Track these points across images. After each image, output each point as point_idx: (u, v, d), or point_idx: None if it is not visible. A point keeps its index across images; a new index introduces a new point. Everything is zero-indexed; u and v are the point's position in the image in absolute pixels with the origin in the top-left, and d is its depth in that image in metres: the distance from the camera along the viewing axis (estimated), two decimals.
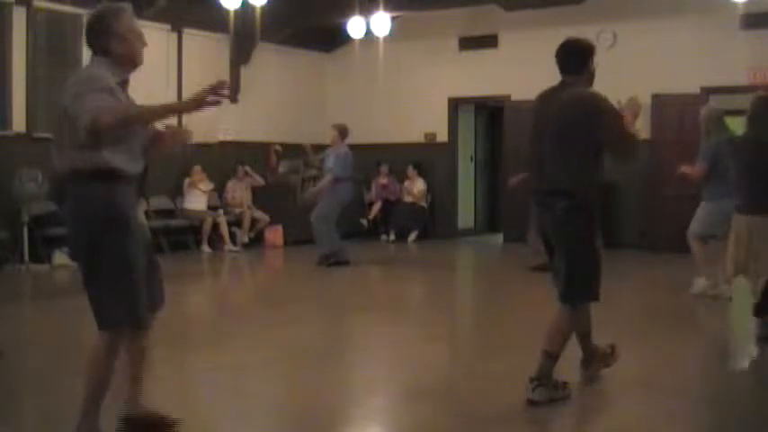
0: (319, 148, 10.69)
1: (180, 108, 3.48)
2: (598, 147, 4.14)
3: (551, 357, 4.24)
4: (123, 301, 3.32)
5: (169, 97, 11.57)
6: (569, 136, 4.11)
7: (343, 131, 10.06)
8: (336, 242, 9.87)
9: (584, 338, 4.57)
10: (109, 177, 3.25)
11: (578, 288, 4.23)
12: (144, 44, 3.49)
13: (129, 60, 3.47)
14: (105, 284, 3.30)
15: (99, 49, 3.42)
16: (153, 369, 5.04)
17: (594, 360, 4.67)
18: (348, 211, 13.19)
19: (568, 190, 4.11)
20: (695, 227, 7.31)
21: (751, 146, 5.66)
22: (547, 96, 4.36)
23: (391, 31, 11.84)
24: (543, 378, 4.20)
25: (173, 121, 6.25)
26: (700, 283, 7.38)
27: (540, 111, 4.36)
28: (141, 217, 3.56)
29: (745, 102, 6.14)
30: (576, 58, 4.27)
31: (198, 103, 3.27)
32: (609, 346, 4.75)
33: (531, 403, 4.11)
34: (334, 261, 9.71)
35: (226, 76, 12.28)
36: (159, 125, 3.47)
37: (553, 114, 4.19)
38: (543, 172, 4.24)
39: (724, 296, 7.08)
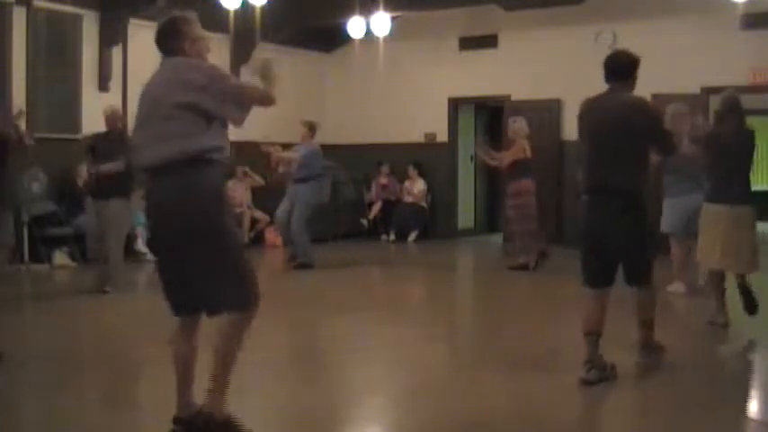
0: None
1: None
2: (649, 148, 4.70)
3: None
4: (250, 277, 3.50)
5: None
6: (630, 139, 4.54)
7: (312, 128, 9.93)
8: (306, 244, 9.67)
9: (645, 325, 5.01)
10: (216, 162, 3.44)
11: (644, 272, 4.79)
12: (209, 50, 3.77)
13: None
14: (230, 264, 3.44)
15: (172, 51, 3.63)
16: (152, 369, 5.05)
17: (653, 348, 5.06)
18: (348, 211, 13.26)
19: (626, 189, 4.53)
20: (664, 225, 7.43)
21: (727, 141, 5.93)
22: (598, 102, 4.77)
23: (391, 31, 11.83)
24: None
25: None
26: (677, 285, 7.55)
27: (594, 115, 4.73)
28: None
29: (745, 102, 6.21)
30: (627, 68, 4.74)
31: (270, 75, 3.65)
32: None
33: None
34: (299, 263, 9.58)
35: None
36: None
37: (612, 119, 4.58)
38: (598, 173, 4.59)
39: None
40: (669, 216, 7.44)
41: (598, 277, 4.68)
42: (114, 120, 7.95)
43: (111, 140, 7.74)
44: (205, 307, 3.54)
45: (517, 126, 9.45)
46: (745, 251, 5.91)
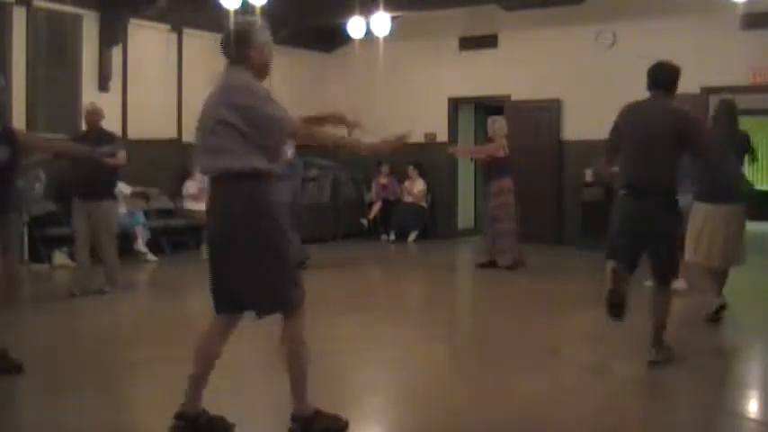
0: (320, 148, 10.67)
1: (356, 145, 3.85)
2: (684, 152, 5.03)
3: (662, 326, 5.06)
4: (295, 281, 3.70)
5: (168, 97, 11.61)
6: (675, 144, 4.87)
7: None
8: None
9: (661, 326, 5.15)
10: (263, 176, 3.58)
11: (673, 269, 5.14)
12: (272, 58, 3.78)
13: (263, 70, 3.71)
14: (284, 269, 3.61)
15: (238, 58, 3.66)
16: (153, 369, 5.05)
17: (663, 347, 5.13)
18: (348, 211, 13.26)
19: (667, 187, 4.91)
20: None
21: (719, 143, 6.16)
22: (643, 107, 5.07)
23: (391, 31, 11.83)
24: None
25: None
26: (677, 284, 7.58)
27: (639, 119, 5.04)
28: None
29: (745, 102, 6.31)
30: (672, 78, 5.10)
31: (375, 148, 3.88)
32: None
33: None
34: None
35: None
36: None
37: (662, 125, 4.90)
38: (645, 172, 4.92)
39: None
40: None
41: (625, 261, 4.94)
42: (95, 117, 7.81)
43: (91, 139, 7.58)
44: (251, 308, 3.71)
45: (497, 125, 9.65)
46: (731, 246, 6.23)
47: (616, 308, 4.91)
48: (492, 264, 9.53)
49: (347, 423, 3.79)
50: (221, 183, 3.58)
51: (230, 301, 3.72)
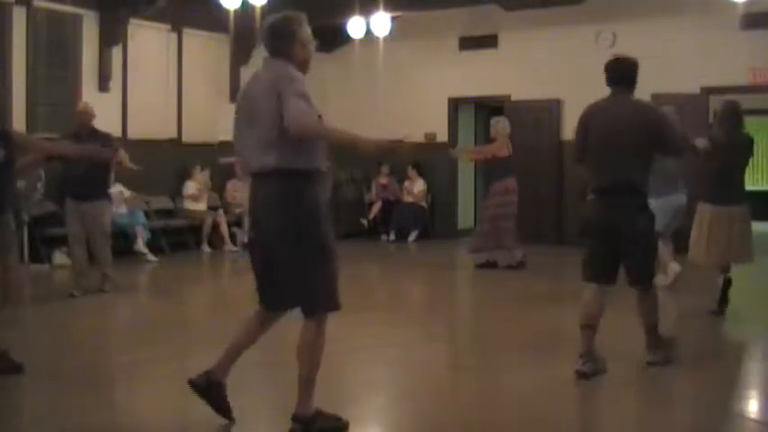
0: None
1: (363, 145, 3.61)
2: (654, 150, 4.83)
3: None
4: (332, 284, 3.69)
5: (168, 97, 11.61)
6: (642, 143, 4.70)
7: None
8: None
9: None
10: (307, 173, 3.57)
11: (648, 272, 4.91)
12: (313, 52, 3.75)
13: (305, 65, 3.68)
14: (318, 270, 3.59)
15: (280, 53, 3.62)
16: (153, 369, 5.05)
17: (661, 344, 5.08)
18: (348, 210, 13.25)
19: (638, 188, 4.74)
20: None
21: (724, 145, 6.23)
22: (606, 106, 4.90)
23: (391, 31, 11.84)
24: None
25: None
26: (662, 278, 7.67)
27: (603, 119, 4.85)
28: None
29: (745, 102, 6.37)
30: (631, 73, 4.88)
31: (384, 148, 3.67)
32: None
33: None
34: None
35: (226, 76, 12.31)
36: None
37: (627, 123, 4.72)
38: (613, 173, 4.73)
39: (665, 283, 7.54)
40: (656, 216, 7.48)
41: (602, 275, 4.81)
42: (87, 117, 7.76)
43: (83, 140, 7.54)
44: (285, 304, 3.74)
45: (500, 126, 9.64)
46: (736, 245, 6.29)
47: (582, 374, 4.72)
48: (492, 264, 9.52)
49: (347, 423, 3.79)
50: (263, 178, 3.56)
51: (270, 299, 3.76)
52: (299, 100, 3.43)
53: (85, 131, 7.68)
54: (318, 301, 3.65)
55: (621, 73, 4.89)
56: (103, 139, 7.71)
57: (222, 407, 3.82)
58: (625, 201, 4.73)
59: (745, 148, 6.40)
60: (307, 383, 3.69)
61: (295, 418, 3.71)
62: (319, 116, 3.55)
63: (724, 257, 6.41)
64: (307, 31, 3.70)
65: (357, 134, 3.59)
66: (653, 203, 7.33)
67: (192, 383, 3.80)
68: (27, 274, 8.94)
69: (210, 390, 3.79)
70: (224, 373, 3.83)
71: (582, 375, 4.66)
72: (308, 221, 3.54)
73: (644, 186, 4.78)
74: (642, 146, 4.74)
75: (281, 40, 3.63)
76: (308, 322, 3.68)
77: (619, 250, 4.77)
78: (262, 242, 3.66)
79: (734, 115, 6.33)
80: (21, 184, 9.15)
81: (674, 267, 7.71)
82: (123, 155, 7.94)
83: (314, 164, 3.56)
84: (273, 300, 3.74)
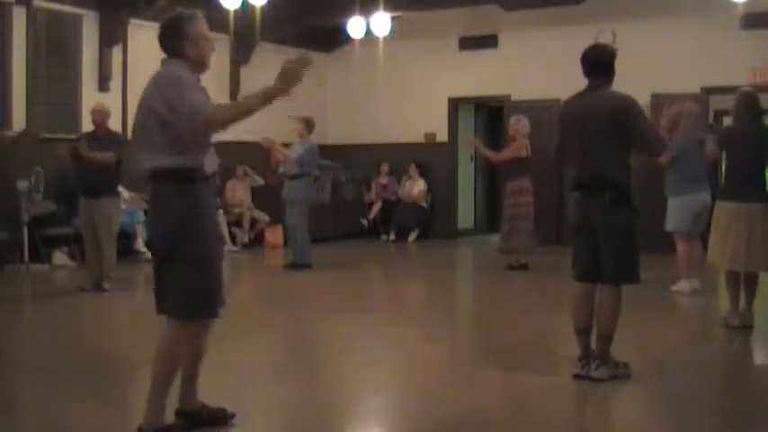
0: (320, 149, 10.64)
1: (275, 91, 3.53)
2: (630, 144, 4.60)
3: (610, 339, 4.61)
4: (199, 292, 3.49)
5: None
6: (614, 133, 4.49)
7: (309, 124, 9.68)
8: (305, 244, 9.55)
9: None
10: (189, 177, 3.45)
11: (630, 271, 4.60)
12: (213, 49, 3.69)
13: (199, 63, 3.62)
14: (183, 276, 3.45)
15: (172, 52, 3.58)
16: (147, 369, 5.05)
17: (611, 362, 4.78)
18: (348, 211, 13.26)
19: (614, 182, 4.51)
20: (669, 224, 7.44)
21: (741, 138, 5.97)
22: (580, 100, 4.72)
23: (391, 31, 11.83)
24: (604, 358, 4.59)
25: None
26: (682, 284, 7.56)
27: (577, 112, 4.69)
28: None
29: None
30: (608, 63, 4.66)
31: (293, 79, 3.46)
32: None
33: (594, 380, 4.52)
34: (292, 263, 9.46)
35: (226, 76, 12.31)
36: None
37: (597, 114, 4.53)
38: (586, 167, 4.58)
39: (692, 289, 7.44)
40: (675, 214, 7.39)
41: (586, 272, 4.70)
42: (101, 117, 7.89)
43: (98, 139, 7.73)
44: (164, 310, 3.58)
45: (520, 125, 9.43)
46: (758, 248, 5.85)
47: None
48: (524, 266, 9.42)
49: (230, 415, 3.77)
50: (151, 180, 3.51)
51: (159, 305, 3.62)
52: (197, 94, 3.40)
53: (101, 131, 7.82)
54: (178, 305, 3.51)
55: (596, 62, 4.66)
56: (113, 138, 7.86)
57: (215, 420, 3.77)
58: (600, 195, 4.52)
59: (762, 142, 5.94)
60: (154, 390, 3.54)
61: (191, 410, 3.71)
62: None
63: (742, 261, 5.93)
64: (198, 27, 3.58)
65: (266, 88, 3.51)
66: (677, 202, 7.37)
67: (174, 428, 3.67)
68: (24, 274, 8.95)
69: (193, 422, 3.71)
70: (191, 400, 3.75)
71: (593, 380, 4.54)
72: (176, 223, 3.44)
73: (622, 180, 4.54)
74: (616, 140, 4.52)
75: (171, 40, 3.58)
76: (170, 326, 3.56)
77: (599, 245, 4.58)
78: (154, 246, 3.65)
79: (752, 107, 5.95)
80: (21, 184, 9.16)
81: (695, 284, 7.49)
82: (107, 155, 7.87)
83: (188, 164, 3.45)
84: (158, 304, 3.61)
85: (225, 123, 3.42)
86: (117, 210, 8.11)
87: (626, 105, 4.55)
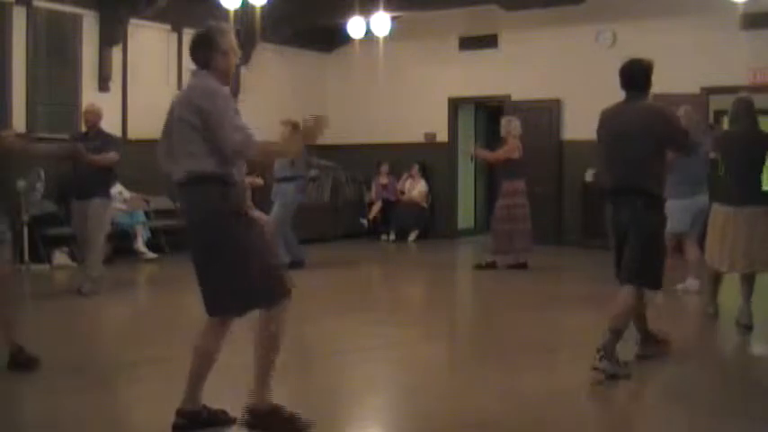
0: (320, 149, 10.67)
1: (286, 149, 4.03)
2: (666, 151, 4.95)
3: (616, 334, 4.73)
4: (268, 280, 3.64)
5: (168, 97, 11.56)
6: (648, 143, 4.78)
7: (296, 128, 9.72)
8: (291, 245, 9.48)
9: (641, 319, 5.11)
10: (220, 181, 3.58)
11: (650, 274, 4.86)
12: (238, 59, 3.82)
13: (227, 75, 3.74)
14: (244, 270, 3.59)
15: (203, 63, 3.69)
16: (152, 369, 5.05)
17: (649, 342, 5.17)
18: (348, 210, 13.26)
19: (645, 189, 4.78)
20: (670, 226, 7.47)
21: (738, 142, 6.10)
22: (617, 110, 4.98)
23: (391, 31, 11.83)
24: (608, 353, 4.66)
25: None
26: (690, 283, 7.65)
27: (614, 122, 4.96)
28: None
29: None
30: (645, 76, 4.93)
31: (313, 136, 3.77)
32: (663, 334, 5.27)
33: (596, 370, 4.61)
34: (290, 262, 9.32)
35: None
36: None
37: (633, 125, 4.81)
38: (621, 175, 4.87)
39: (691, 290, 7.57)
40: (672, 216, 7.39)
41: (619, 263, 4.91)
42: (94, 117, 7.81)
43: (90, 139, 7.64)
44: (210, 309, 3.75)
45: (512, 126, 9.49)
46: (756, 249, 5.96)
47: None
48: (523, 265, 9.46)
49: (308, 423, 3.77)
50: (184, 186, 3.64)
51: (208, 305, 3.74)
52: (235, 118, 3.53)
53: (93, 131, 7.75)
54: (257, 299, 3.65)
55: (631, 76, 4.93)
56: (105, 138, 7.77)
57: (217, 422, 3.80)
58: (634, 201, 4.79)
59: (759, 146, 6.07)
60: (266, 375, 3.75)
61: (249, 411, 3.76)
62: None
63: (746, 265, 6.04)
64: (228, 40, 3.72)
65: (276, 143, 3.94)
66: (677, 204, 7.38)
67: (176, 428, 3.72)
68: (24, 274, 8.95)
69: (195, 424, 3.74)
70: (197, 400, 3.78)
71: (595, 370, 4.63)
72: (215, 225, 3.58)
73: (654, 188, 4.82)
74: (652, 150, 4.82)
75: (202, 52, 3.69)
76: (262, 315, 3.69)
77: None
78: (193, 250, 3.72)
79: (749, 111, 6.07)
80: (21, 184, 9.16)
81: (693, 284, 7.59)
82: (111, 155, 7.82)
83: (219, 170, 3.57)
84: (211, 305, 3.74)
85: (252, 158, 3.71)
86: (107, 212, 8.02)
87: (660, 117, 4.87)
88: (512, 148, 9.35)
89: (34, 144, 6.80)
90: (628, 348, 5.04)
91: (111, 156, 7.61)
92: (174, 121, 3.64)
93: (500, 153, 9.58)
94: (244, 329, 3.87)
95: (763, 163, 6.11)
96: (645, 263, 4.81)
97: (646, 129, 4.78)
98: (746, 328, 6.05)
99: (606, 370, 4.63)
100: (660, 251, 4.92)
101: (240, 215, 3.63)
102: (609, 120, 5.01)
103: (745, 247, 5.96)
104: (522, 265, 9.42)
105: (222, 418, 3.82)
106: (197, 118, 3.52)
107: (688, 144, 5.19)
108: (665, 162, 4.98)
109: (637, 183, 4.81)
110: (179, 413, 3.72)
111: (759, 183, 6.10)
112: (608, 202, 4.99)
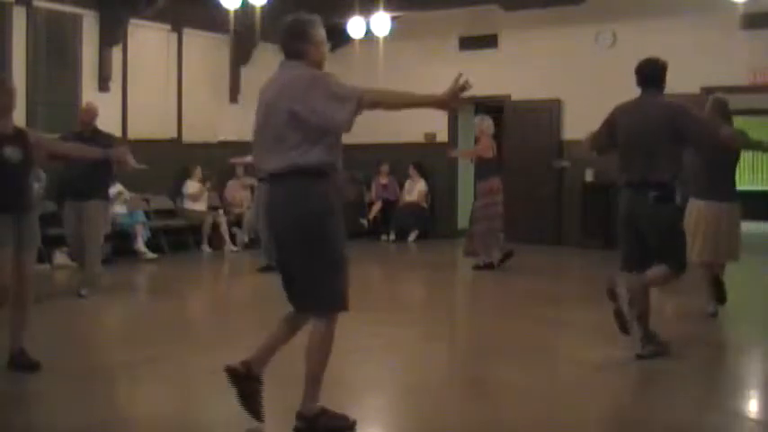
0: None
1: (434, 102, 3.94)
2: (685, 145, 5.16)
3: (644, 318, 5.10)
4: (342, 285, 3.67)
5: (168, 97, 11.61)
6: (665, 139, 4.94)
7: None
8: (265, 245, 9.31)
9: (643, 318, 5.18)
10: (324, 173, 3.59)
11: (674, 257, 5.09)
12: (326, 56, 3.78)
13: (319, 66, 3.72)
14: (325, 270, 3.61)
15: (294, 54, 3.67)
16: (152, 369, 5.05)
17: (650, 342, 5.20)
18: (348, 211, 13.24)
19: (659, 182, 4.96)
20: None
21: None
22: (634, 107, 5.17)
23: (391, 31, 11.83)
24: (649, 338, 5.10)
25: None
26: None
27: (631, 119, 5.13)
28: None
29: (745, 102, 6.32)
30: (661, 74, 5.20)
31: (451, 99, 3.81)
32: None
33: (641, 358, 5.04)
34: (265, 266, 9.06)
35: (226, 76, 12.31)
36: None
37: (650, 121, 4.99)
38: (636, 169, 5.02)
39: None
40: None
41: (629, 263, 5.15)
42: (89, 116, 7.73)
43: (85, 140, 7.53)
44: (299, 303, 3.75)
45: (485, 125, 9.55)
46: (726, 241, 6.35)
47: (619, 325, 5.10)
48: (489, 265, 9.48)
49: (354, 423, 3.80)
50: (281, 179, 3.59)
51: (290, 297, 3.77)
52: (340, 84, 3.51)
53: (89, 131, 7.68)
54: (326, 301, 3.66)
55: (647, 75, 5.16)
56: (106, 139, 7.72)
57: (254, 404, 3.82)
58: (645, 194, 4.97)
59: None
60: (313, 382, 3.71)
61: (300, 416, 3.73)
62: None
63: (711, 255, 6.39)
64: (321, 32, 3.74)
65: (424, 95, 3.84)
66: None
67: (231, 371, 3.75)
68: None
69: (249, 381, 3.78)
70: (262, 367, 3.83)
71: (639, 357, 5.02)
72: (315, 221, 3.58)
73: (669, 180, 4.98)
74: (668, 143, 4.97)
75: (296, 42, 3.67)
76: (318, 322, 3.69)
77: (645, 241, 5.05)
78: (278, 242, 3.72)
79: (723, 112, 6.41)
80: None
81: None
82: (123, 152, 7.82)
83: (325, 161, 3.57)
84: (293, 300, 3.78)
85: (378, 104, 3.67)
86: (105, 214, 7.99)
87: (677, 112, 5.03)
88: (485, 147, 9.37)
89: (62, 143, 6.71)
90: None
91: (122, 151, 7.54)
92: (272, 114, 3.58)
93: (472, 151, 9.66)
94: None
95: (737, 161, 6.49)
96: (669, 250, 5.04)
97: (664, 123, 4.95)
98: (713, 315, 6.51)
99: (651, 353, 5.04)
100: (680, 236, 5.20)
101: (336, 213, 3.66)
102: (625, 115, 5.17)
103: (711, 240, 6.32)
104: (490, 266, 9.39)
105: (341, 424, 3.80)
106: (302, 106, 3.46)
107: (711, 134, 5.30)
108: (681, 157, 5.17)
109: (652, 177, 4.96)
110: (298, 416, 3.74)
111: (731, 180, 6.45)
112: (621, 195, 5.16)
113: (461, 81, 3.70)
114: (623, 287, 5.06)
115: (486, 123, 9.56)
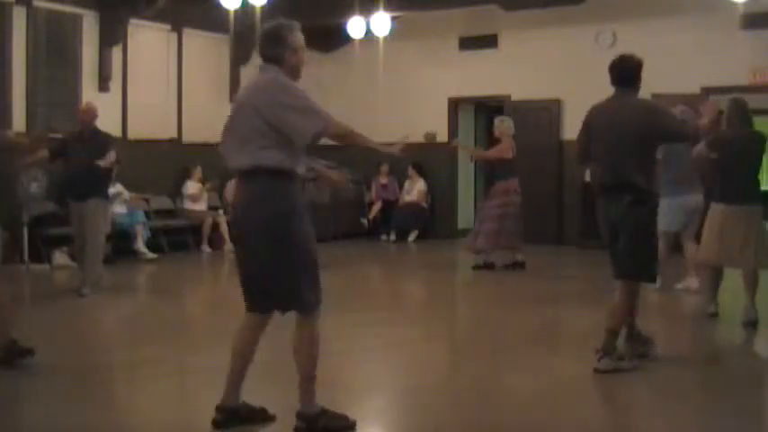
0: (320, 149, 10.64)
1: (379, 150, 3.98)
2: (658, 145, 5.06)
3: (613, 334, 4.83)
4: (318, 282, 3.75)
5: (168, 97, 11.62)
6: (637, 138, 4.76)
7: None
8: None
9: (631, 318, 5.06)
10: (289, 174, 3.63)
11: (643, 268, 4.89)
12: (305, 62, 3.87)
13: (296, 71, 3.79)
14: (303, 271, 3.66)
15: (272, 59, 3.73)
16: (152, 369, 5.05)
17: (636, 340, 5.10)
18: (348, 210, 13.25)
19: (633, 184, 4.76)
20: (661, 224, 7.48)
21: (734, 143, 6.16)
22: (608, 106, 4.98)
23: (391, 31, 11.83)
24: (608, 351, 4.79)
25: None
26: (693, 281, 7.65)
27: (604, 118, 4.94)
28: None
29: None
30: (634, 72, 4.95)
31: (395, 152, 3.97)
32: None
33: (597, 371, 4.74)
34: None
35: (226, 76, 12.32)
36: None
37: (623, 121, 4.81)
38: (609, 170, 4.85)
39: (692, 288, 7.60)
40: (665, 215, 7.39)
41: (614, 259, 4.93)
42: (89, 116, 7.73)
43: (85, 140, 7.59)
44: (276, 306, 3.78)
45: (505, 125, 9.49)
46: (755, 248, 6.07)
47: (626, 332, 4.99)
48: (490, 266, 9.46)
49: (354, 423, 3.81)
50: (247, 178, 3.64)
51: (259, 301, 3.76)
52: (314, 104, 3.63)
53: (89, 131, 7.68)
54: (309, 301, 3.71)
55: (623, 72, 4.94)
56: (106, 139, 7.76)
57: (256, 416, 3.85)
58: (622, 197, 4.78)
59: (754, 146, 6.19)
60: (308, 381, 3.74)
61: (300, 416, 3.73)
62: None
63: (721, 259, 6.24)
64: (298, 37, 3.78)
65: (372, 141, 3.85)
66: (667, 203, 7.38)
67: (218, 424, 3.75)
68: (24, 274, 8.95)
69: (235, 416, 3.78)
70: (237, 394, 3.82)
71: (596, 371, 4.75)
72: (282, 222, 3.59)
73: (645, 184, 4.79)
74: (643, 146, 4.80)
75: (273, 47, 3.72)
76: (303, 322, 3.73)
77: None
78: (243, 242, 3.73)
79: (742, 113, 6.19)
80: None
81: (693, 283, 7.62)
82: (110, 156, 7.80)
83: (286, 164, 3.60)
84: (261, 302, 3.76)
85: (338, 136, 3.78)
86: (104, 213, 7.99)
87: (650, 111, 4.88)
88: (505, 147, 9.35)
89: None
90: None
91: (111, 157, 7.61)
92: (242, 114, 3.63)
93: (493, 152, 9.61)
94: (279, 327, 3.90)
95: (759, 163, 6.26)
96: (637, 258, 4.82)
97: (635, 124, 4.77)
98: (751, 324, 6.15)
99: (607, 368, 4.71)
100: (651, 244, 4.93)
101: (302, 213, 3.66)
102: (598, 115, 5.00)
103: (741, 246, 6.08)
104: (521, 265, 9.39)
105: (261, 416, 3.85)
106: (269, 111, 3.53)
107: (685, 133, 5.24)
108: (654, 158, 5.02)
109: (625, 178, 4.79)
110: (218, 409, 3.76)
111: (755, 182, 6.24)
112: (598, 199, 4.99)
113: (406, 141, 4.07)
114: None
115: (507, 124, 9.52)
